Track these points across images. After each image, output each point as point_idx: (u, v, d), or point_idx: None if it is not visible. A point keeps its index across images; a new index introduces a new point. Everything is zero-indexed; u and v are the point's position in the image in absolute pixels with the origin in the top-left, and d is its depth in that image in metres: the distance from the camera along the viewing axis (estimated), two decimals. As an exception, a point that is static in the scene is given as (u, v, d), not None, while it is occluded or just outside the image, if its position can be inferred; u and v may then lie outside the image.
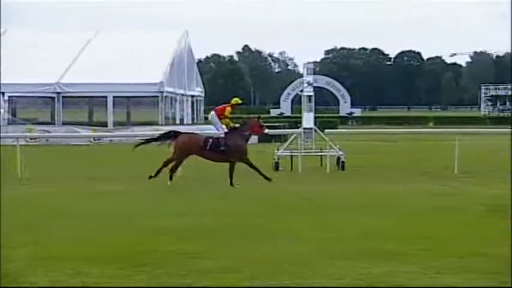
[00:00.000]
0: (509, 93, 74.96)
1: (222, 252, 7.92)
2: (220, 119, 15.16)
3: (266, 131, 15.94)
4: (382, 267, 7.19)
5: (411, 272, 7.02)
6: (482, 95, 77.83)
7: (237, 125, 15.24)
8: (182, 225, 9.59)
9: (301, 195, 12.88)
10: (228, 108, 15.29)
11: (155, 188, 13.86)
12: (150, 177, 14.29)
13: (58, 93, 32.58)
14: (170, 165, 14.56)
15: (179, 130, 16.24)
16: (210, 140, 14.81)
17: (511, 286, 6.45)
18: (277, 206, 11.51)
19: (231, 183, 14.27)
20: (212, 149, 14.66)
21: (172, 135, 15.02)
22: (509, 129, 22.75)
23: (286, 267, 7.21)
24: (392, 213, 10.64)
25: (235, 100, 15.60)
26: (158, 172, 14.38)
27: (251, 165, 14.77)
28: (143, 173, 14.65)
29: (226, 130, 15.02)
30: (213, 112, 15.55)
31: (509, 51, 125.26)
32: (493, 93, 76.58)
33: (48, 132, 27.60)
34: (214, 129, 15.56)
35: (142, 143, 15.18)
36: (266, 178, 14.52)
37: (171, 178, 14.40)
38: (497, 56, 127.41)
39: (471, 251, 7.82)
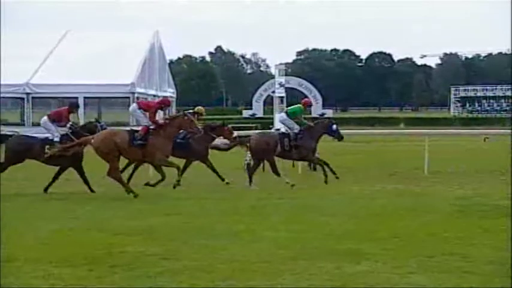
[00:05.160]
0: (478, 94, 75.74)
1: (191, 252, 7.90)
2: None
3: None
4: (352, 267, 7.21)
5: (381, 271, 7.06)
6: (452, 96, 78.60)
7: None
8: (148, 226, 9.56)
9: (271, 195, 12.88)
10: None
11: (121, 190, 13.86)
12: None
13: (27, 93, 32.25)
14: None
15: None
16: None
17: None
18: (244, 206, 11.46)
19: None
20: None
21: None
22: (478, 131, 23.01)
23: (257, 267, 7.21)
24: (361, 213, 10.66)
25: None
26: None
27: None
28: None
29: None
30: None
31: (479, 52, 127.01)
32: (462, 94, 77.35)
33: (18, 133, 27.28)
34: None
35: None
36: None
37: None
38: (467, 58, 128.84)
39: (441, 251, 7.89)
